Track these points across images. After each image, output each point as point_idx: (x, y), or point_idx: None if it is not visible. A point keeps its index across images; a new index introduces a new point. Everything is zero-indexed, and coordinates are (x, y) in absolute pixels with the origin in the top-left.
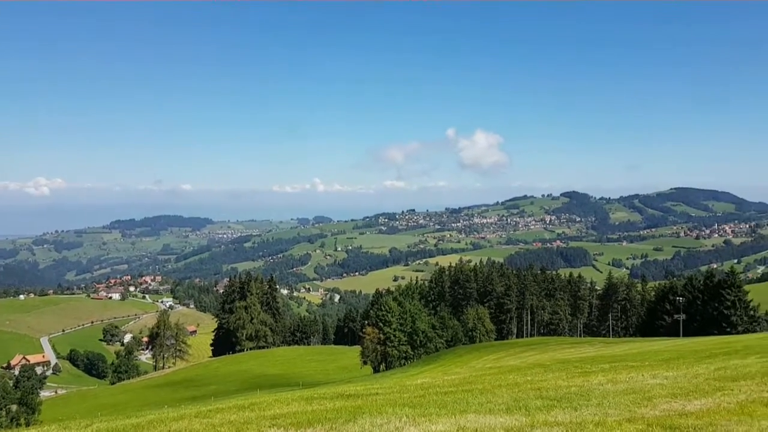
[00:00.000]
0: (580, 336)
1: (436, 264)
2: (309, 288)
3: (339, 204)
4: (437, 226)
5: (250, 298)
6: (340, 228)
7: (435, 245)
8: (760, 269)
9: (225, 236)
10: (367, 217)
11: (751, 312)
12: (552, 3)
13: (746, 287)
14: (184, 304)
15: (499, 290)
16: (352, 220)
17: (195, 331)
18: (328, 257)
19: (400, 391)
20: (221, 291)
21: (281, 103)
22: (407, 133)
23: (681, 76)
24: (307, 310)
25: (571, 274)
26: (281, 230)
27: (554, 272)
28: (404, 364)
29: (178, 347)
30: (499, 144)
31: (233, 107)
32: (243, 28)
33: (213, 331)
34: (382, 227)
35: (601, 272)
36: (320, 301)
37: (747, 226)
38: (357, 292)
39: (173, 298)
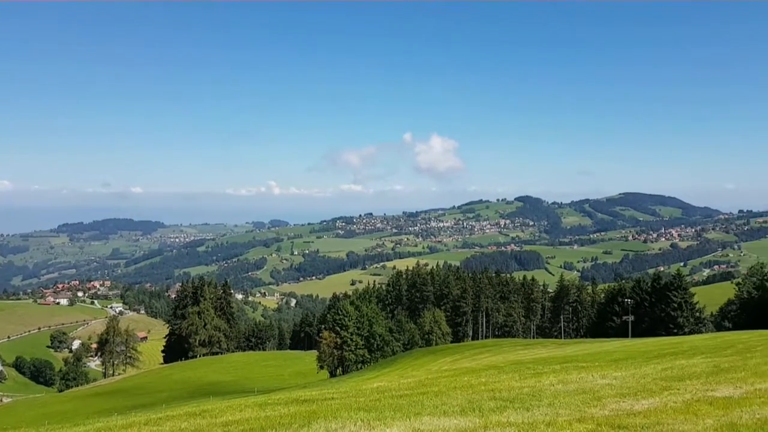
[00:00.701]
0: (533, 337)
1: (394, 268)
2: (265, 293)
3: (296, 207)
4: (395, 230)
5: (204, 303)
6: (296, 232)
7: (392, 249)
8: (706, 272)
9: (177, 240)
10: (325, 221)
11: (697, 313)
12: (507, 5)
13: (692, 289)
14: (134, 310)
15: (455, 293)
16: (309, 224)
17: (146, 337)
18: (284, 261)
19: (356, 395)
20: (173, 296)
21: (235, 105)
22: (364, 137)
23: (627, 83)
24: (262, 315)
25: (524, 277)
26: (236, 234)
27: (509, 275)
28: (361, 368)
29: (128, 354)
30: (455, 149)
31: (184, 109)
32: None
33: (164, 337)
34: (340, 231)
35: (554, 275)
36: (276, 305)
37: (693, 230)
38: (314, 296)
39: (123, 303)
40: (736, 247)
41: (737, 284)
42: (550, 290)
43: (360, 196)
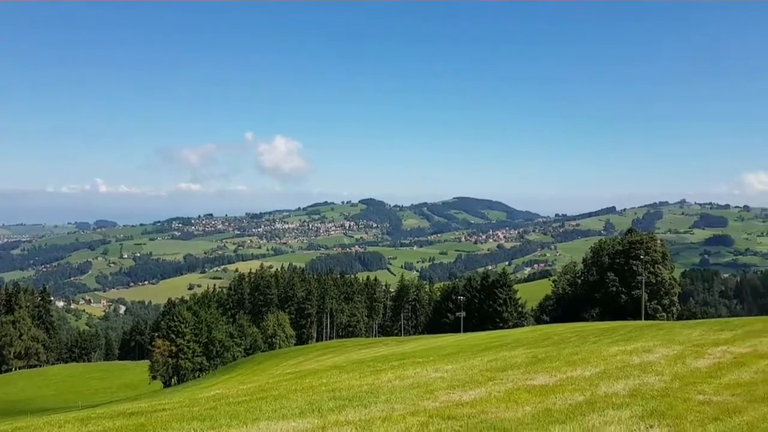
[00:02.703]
0: (376, 336)
1: (236, 271)
2: (90, 299)
3: (126, 207)
4: (237, 232)
5: (19, 311)
6: (126, 233)
7: (234, 251)
8: (527, 270)
9: None
10: (159, 222)
11: (520, 308)
12: (346, 3)
13: (516, 286)
14: None
15: (300, 295)
16: (140, 225)
17: None
18: (112, 265)
19: (190, 405)
20: None
21: (54, 93)
22: (203, 134)
23: (457, 94)
24: (87, 324)
25: (368, 278)
26: (56, 236)
27: (353, 276)
28: (199, 377)
29: None
30: (300, 150)
31: None
32: (14, 21)
33: None
34: (176, 232)
35: (395, 275)
36: (103, 313)
37: (516, 232)
38: (146, 302)
39: None
40: (552, 247)
41: (553, 281)
42: (392, 290)
43: (199, 196)
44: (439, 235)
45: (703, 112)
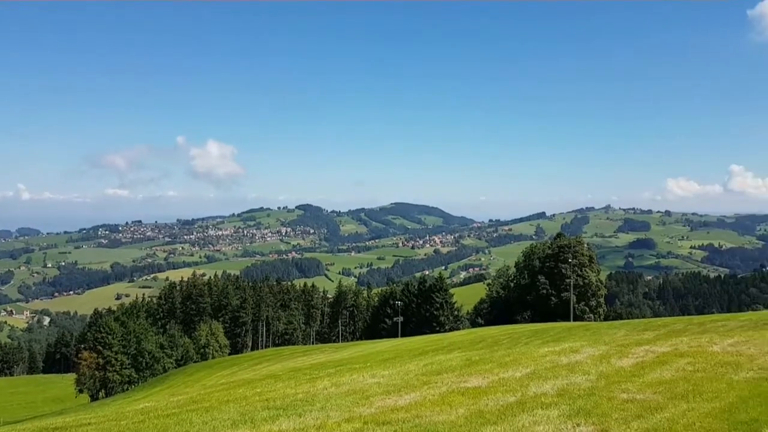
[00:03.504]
0: (313, 343)
1: (167, 279)
2: (12, 311)
3: (50, 214)
4: (168, 239)
5: None
6: (50, 241)
7: (165, 259)
8: (463, 274)
9: None
10: (85, 230)
11: (456, 312)
12: (281, 4)
13: (452, 290)
14: None
15: (234, 303)
16: (65, 233)
17: None
18: (35, 275)
19: (117, 419)
20: None
21: None
22: (131, 138)
23: (394, 99)
24: (9, 336)
25: (305, 284)
26: None
27: (289, 283)
28: (128, 389)
29: None
30: (234, 155)
31: None
32: None
33: None
34: (103, 240)
35: (333, 281)
36: (26, 325)
37: (452, 237)
38: (72, 313)
39: None
40: (487, 252)
41: (488, 285)
42: (330, 296)
43: (127, 202)
44: (377, 240)
45: (625, 121)
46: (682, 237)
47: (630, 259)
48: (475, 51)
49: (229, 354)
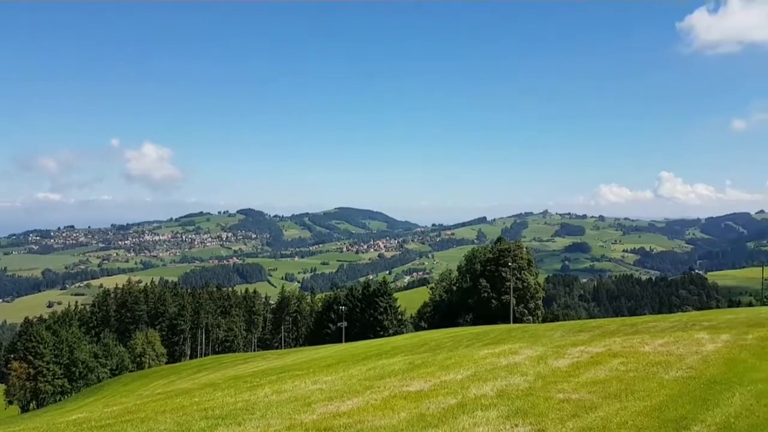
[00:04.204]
0: (255, 350)
1: (101, 286)
2: None
3: None
4: (102, 245)
5: None
6: None
7: (99, 265)
8: (407, 278)
9: None
10: (14, 235)
11: (400, 316)
12: (216, 3)
13: (396, 295)
14: None
15: (172, 311)
16: None
17: None
18: None
19: (49, 431)
20: None
21: None
22: (63, 140)
23: (336, 103)
24: None
25: (246, 290)
26: None
27: (230, 289)
28: (60, 400)
29: None
30: (172, 157)
31: None
32: None
33: None
34: (34, 246)
35: (276, 287)
36: None
37: (396, 241)
38: (1, 322)
39: None
40: (430, 256)
41: (431, 289)
42: (272, 302)
43: (59, 207)
44: (320, 245)
45: (559, 129)
46: (615, 241)
47: (566, 262)
48: (419, 50)
49: (167, 363)
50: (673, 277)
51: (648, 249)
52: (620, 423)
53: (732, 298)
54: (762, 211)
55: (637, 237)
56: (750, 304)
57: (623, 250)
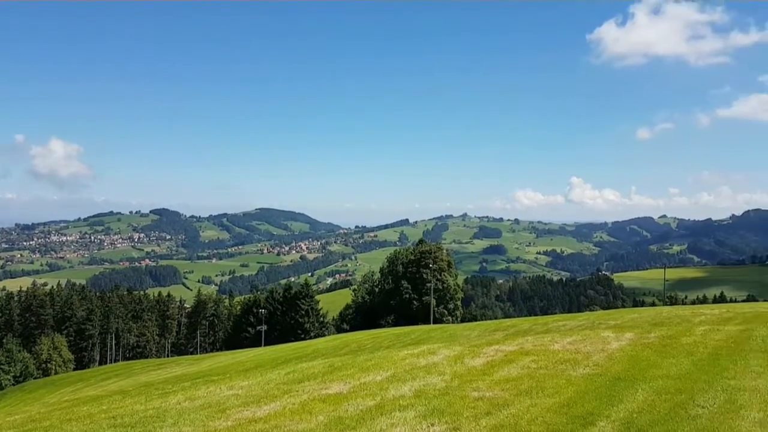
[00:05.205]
0: (169, 356)
1: (3, 289)
2: None
3: None
4: (4, 245)
5: None
6: None
7: (2, 267)
8: (329, 280)
9: None
10: None
11: (322, 318)
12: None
13: (318, 297)
14: None
15: (80, 315)
16: None
17: None
18: None
19: None
20: None
21: None
22: None
23: (256, 102)
24: None
25: (160, 294)
26: None
27: (143, 292)
28: None
29: None
30: (81, 154)
31: None
32: None
33: None
34: None
35: (192, 290)
36: None
37: (319, 243)
38: None
39: None
40: (353, 258)
41: (353, 290)
42: (188, 306)
43: None
44: (240, 247)
45: (478, 135)
46: (530, 243)
47: (484, 264)
48: (334, 51)
49: (75, 369)
50: (581, 278)
51: (559, 251)
52: (530, 419)
53: (636, 298)
54: (664, 216)
55: (549, 239)
56: (653, 304)
57: (537, 252)
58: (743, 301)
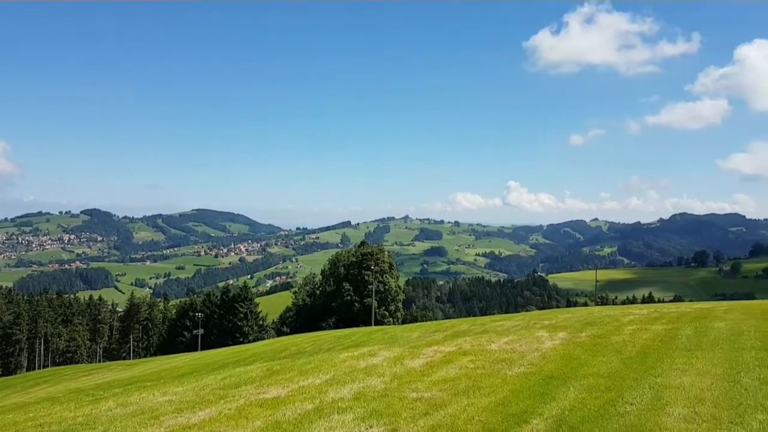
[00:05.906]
0: (100, 361)
1: None
2: None
3: None
4: None
5: None
6: None
7: None
8: (269, 283)
9: None
10: None
11: (261, 321)
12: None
13: (257, 299)
14: None
15: (6, 319)
16: None
17: None
18: None
19: None
20: None
21: None
22: None
23: (193, 100)
24: None
25: (91, 297)
26: None
27: (73, 296)
28: None
29: None
30: (7, 152)
31: None
32: None
33: None
34: None
35: (124, 293)
36: None
37: (259, 245)
38: None
39: None
40: (294, 260)
41: (294, 293)
42: (120, 309)
43: None
44: (176, 248)
45: (418, 139)
46: (469, 245)
47: (425, 265)
48: (262, 52)
49: (1, 376)
50: (518, 279)
51: (497, 253)
52: (467, 419)
53: (570, 299)
54: (596, 219)
55: (488, 242)
56: (585, 304)
57: (476, 254)
58: (670, 301)
